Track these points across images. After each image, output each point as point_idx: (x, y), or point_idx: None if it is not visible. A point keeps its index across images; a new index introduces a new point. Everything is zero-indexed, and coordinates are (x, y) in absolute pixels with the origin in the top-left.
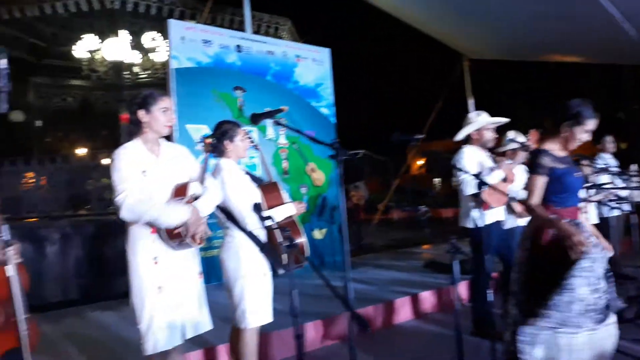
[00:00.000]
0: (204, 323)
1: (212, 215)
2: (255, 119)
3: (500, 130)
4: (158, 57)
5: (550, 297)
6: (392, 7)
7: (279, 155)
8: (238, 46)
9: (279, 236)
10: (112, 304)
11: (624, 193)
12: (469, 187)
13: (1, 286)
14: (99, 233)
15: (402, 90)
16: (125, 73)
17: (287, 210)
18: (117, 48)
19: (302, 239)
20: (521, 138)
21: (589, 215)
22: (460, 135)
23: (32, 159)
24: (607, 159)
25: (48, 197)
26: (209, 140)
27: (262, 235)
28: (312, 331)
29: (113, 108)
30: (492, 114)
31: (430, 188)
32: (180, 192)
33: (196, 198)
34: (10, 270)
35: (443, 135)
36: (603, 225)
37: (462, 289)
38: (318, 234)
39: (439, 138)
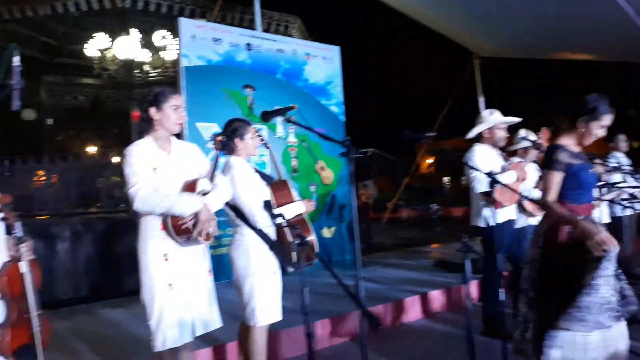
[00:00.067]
0: (214, 320)
1: (222, 213)
2: (266, 117)
3: (511, 128)
4: (168, 55)
5: (578, 299)
6: (402, 5)
7: (289, 153)
8: (248, 44)
9: (288, 234)
10: (122, 301)
11: (637, 192)
12: (481, 185)
13: (14, 282)
14: (109, 230)
15: (411, 89)
16: (136, 71)
17: (296, 208)
18: (127, 46)
19: (312, 237)
20: (532, 136)
21: (601, 214)
22: (472, 133)
23: (44, 157)
24: (619, 158)
25: (59, 195)
26: (220, 138)
27: (272, 233)
28: (322, 329)
29: (124, 106)
30: (503, 112)
31: (442, 187)
32: (189, 188)
33: (205, 194)
34: (23, 267)
35: (452, 133)
36: (615, 225)
37: (472, 288)
38: (327, 233)
39: (448, 137)
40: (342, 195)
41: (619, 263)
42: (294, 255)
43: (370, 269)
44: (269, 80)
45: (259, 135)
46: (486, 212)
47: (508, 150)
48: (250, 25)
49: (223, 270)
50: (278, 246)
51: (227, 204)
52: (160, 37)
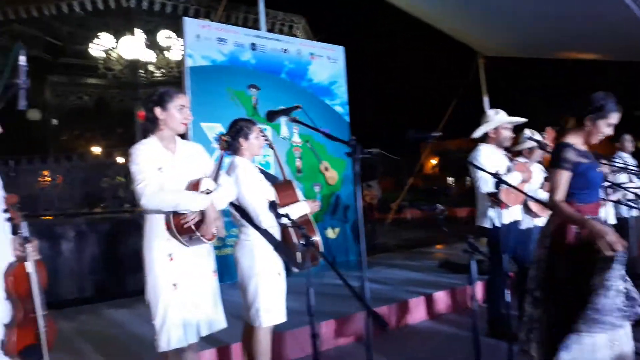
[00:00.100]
0: (219, 321)
1: (226, 214)
2: (271, 117)
3: (516, 129)
4: (173, 55)
5: (594, 300)
6: (406, 4)
7: (293, 153)
8: (253, 44)
9: (294, 234)
10: (127, 301)
11: None
12: (486, 185)
13: (20, 283)
14: (114, 231)
15: (415, 89)
16: (140, 71)
17: (301, 208)
18: (132, 46)
19: (317, 237)
20: (537, 136)
21: (607, 214)
22: (478, 133)
23: (49, 157)
24: (625, 158)
25: (64, 195)
26: (225, 138)
27: (277, 234)
28: (327, 330)
29: (128, 106)
30: (508, 112)
31: (447, 187)
32: (193, 188)
33: (208, 194)
34: (29, 267)
35: (457, 134)
36: (621, 226)
37: (477, 289)
38: (331, 233)
39: (452, 137)
40: (346, 196)
41: (624, 264)
42: (298, 255)
43: (374, 270)
44: (274, 80)
45: (264, 135)
46: (491, 212)
47: (513, 151)
48: (255, 25)
49: (227, 271)
50: (283, 246)
51: (232, 204)
52: (164, 37)
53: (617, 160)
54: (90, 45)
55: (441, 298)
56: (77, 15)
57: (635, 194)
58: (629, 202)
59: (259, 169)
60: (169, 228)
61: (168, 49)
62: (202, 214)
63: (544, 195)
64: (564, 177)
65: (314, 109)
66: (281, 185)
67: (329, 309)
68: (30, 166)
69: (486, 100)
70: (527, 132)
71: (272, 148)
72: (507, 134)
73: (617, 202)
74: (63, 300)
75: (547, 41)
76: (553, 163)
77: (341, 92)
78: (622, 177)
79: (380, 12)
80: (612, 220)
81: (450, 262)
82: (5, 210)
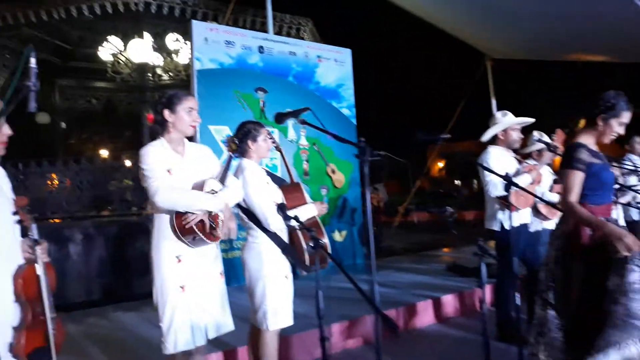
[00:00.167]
0: (227, 324)
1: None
2: (280, 119)
3: (525, 131)
4: (181, 58)
5: (629, 306)
6: (414, 7)
7: (300, 156)
8: (260, 47)
9: (302, 237)
10: (134, 304)
11: None
12: (496, 188)
13: (29, 285)
14: (122, 234)
15: (423, 91)
16: (148, 75)
17: (309, 210)
18: (141, 50)
19: (325, 240)
20: (546, 138)
21: (618, 217)
22: (487, 136)
23: (57, 160)
24: (635, 161)
25: (72, 198)
26: (234, 140)
27: (285, 237)
28: (335, 333)
29: (136, 109)
30: (516, 115)
31: (458, 188)
32: (198, 189)
33: (213, 194)
34: (39, 269)
35: (463, 136)
36: (631, 229)
37: (486, 293)
38: (338, 236)
39: (459, 139)
40: (353, 199)
41: None
42: (306, 258)
43: (382, 273)
44: (281, 83)
45: (271, 138)
46: (501, 215)
47: (522, 153)
48: (262, 28)
49: (234, 274)
50: (291, 249)
51: (239, 206)
52: (172, 40)
53: (627, 162)
54: (99, 48)
55: (449, 301)
56: (86, 19)
57: None
58: (639, 205)
59: (266, 171)
60: (172, 229)
61: (176, 52)
62: (207, 214)
63: (553, 198)
64: (578, 178)
65: (321, 111)
66: (289, 188)
67: (337, 312)
68: (38, 169)
69: (494, 103)
70: (536, 134)
71: (279, 151)
72: (516, 135)
73: (628, 205)
74: (71, 303)
75: (555, 43)
76: (566, 164)
77: (348, 95)
78: (633, 180)
79: (387, 15)
80: (622, 222)
81: (458, 266)
82: (15, 213)
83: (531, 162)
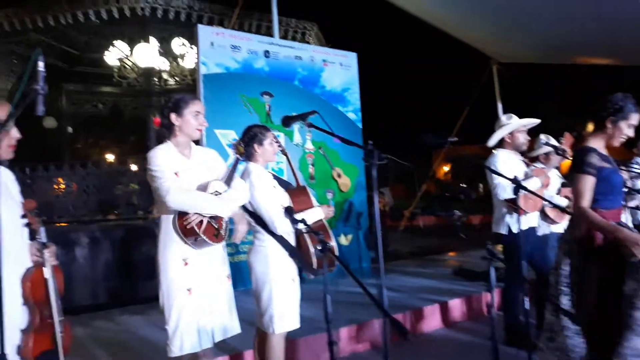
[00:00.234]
0: (233, 327)
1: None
2: (287, 122)
3: (531, 134)
4: (187, 63)
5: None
6: (419, 10)
7: (306, 160)
8: (266, 51)
9: (309, 240)
10: (140, 307)
11: None
12: (505, 191)
13: (37, 288)
14: (128, 237)
15: (428, 95)
16: (154, 79)
17: (316, 214)
18: (147, 55)
19: (333, 243)
20: (553, 141)
21: (627, 221)
22: (494, 140)
23: (64, 165)
24: None
25: (78, 202)
26: (242, 144)
27: (292, 240)
28: (341, 337)
29: (142, 114)
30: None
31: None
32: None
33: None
34: (47, 272)
35: (469, 140)
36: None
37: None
38: (344, 240)
39: (465, 143)
40: (359, 203)
41: None
42: (314, 261)
43: (388, 277)
44: (287, 87)
45: (277, 142)
46: (509, 219)
47: (529, 157)
48: (267, 33)
49: (240, 277)
50: (298, 252)
51: (246, 210)
52: (178, 45)
53: (635, 166)
54: (106, 53)
55: (456, 306)
56: (93, 24)
57: None
58: None
59: (273, 175)
60: (174, 229)
61: (182, 56)
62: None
63: (561, 201)
64: (589, 183)
65: (327, 115)
66: (295, 191)
67: (344, 316)
68: (45, 173)
69: (500, 107)
70: (543, 137)
71: (285, 154)
72: (523, 138)
73: (636, 209)
74: (77, 306)
75: (562, 46)
76: (576, 168)
77: (354, 99)
78: None
79: (393, 19)
80: (630, 226)
81: (464, 270)
82: (23, 216)
83: (539, 165)
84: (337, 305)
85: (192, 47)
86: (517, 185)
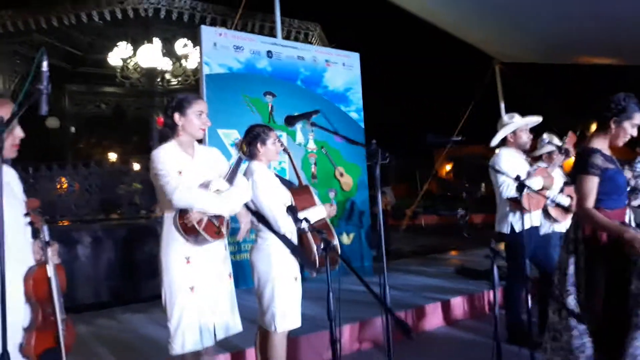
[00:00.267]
0: (235, 325)
1: (236, 220)
2: (290, 121)
3: (533, 134)
4: (189, 64)
5: None
6: (422, 10)
7: (308, 159)
8: (269, 52)
9: (312, 239)
10: (143, 306)
11: None
12: (509, 190)
13: (40, 286)
14: (130, 237)
15: (431, 95)
16: (157, 80)
17: (319, 212)
18: (150, 55)
19: (336, 241)
20: (556, 140)
21: (630, 220)
22: (496, 140)
23: (67, 164)
24: None
25: (81, 201)
26: (245, 143)
27: (294, 238)
28: (343, 335)
29: (145, 114)
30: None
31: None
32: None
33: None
34: (50, 271)
35: (472, 140)
36: None
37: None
38: (346, 239)
39: (467, 143)
40: (361, 202)
41: None
42: (317, 259)
43: (390, 276)
44: (289, 87)
45: (280, 141)
46: (511, 217)
47: (532, 156)
48: (271, 33)
49: (242, 276)
50: (300, 251)
51: (249, 209)
52: (181, 45)
53: (638, 165)
54: (109, 54)
55: (458, 304)
56: (96, 25)
57: None
58: None
59: (275, 174)
60: (175, 227)
61: (185, 57)
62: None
63: (564, 200)
64: (593, 184)
65: (330, 115)
66: (298, 190)
67: (346, 314)
68: (48, 173)
69: (503, 107)
70: (546, 136)
71: (287, 154)
72: (526, 136)
73: (639, 208)
74: (80, 304)
75: (564, 46)
76: (580, 169)
77: (356, 99)
78: None
79: (395, 19)
80: (633, 225)
81: (466, 268)
82: (26, 214)
83: (542, 164)
84: (340, 303)
85: (195, 48)
86: (521, 184)
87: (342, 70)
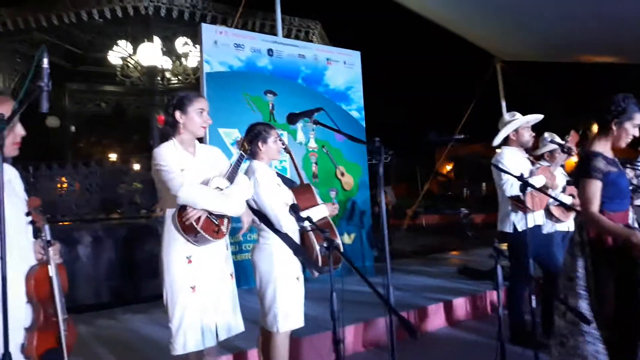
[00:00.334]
0: (237, 325)
1: (239, 219)
2: (293, 119)
3: (535, 133)
4: (190, 62)
5: None
6: (423, 9)
7: (309, 159)
8: (270, 50)
9: (314, 238)
10: (143, 306)
11: None
12: (512, 188)
13: (42, 285)
14: (131, 236)
15: (432, 93)
16: (157, 79)
17: (320, 211)
18: (150, 54)
19: (339, 241)
20: (557, 139)
21: (632, 221)
22: (498, 139)
23: (67, 164)
24: None
25: (81, 201)
26: (246, 142)
27: (296, 238)
28: (346, 336)
29: (145, 113)
30: None
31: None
32: None
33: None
34: (51, 270)
35: (472, 139)
36: None
37: (495, 296)
38: (347, 239)
39: (467, 142)
40: (362, 201)
41: None
42: (319, 259)
43: (392, 276)
44: (290, 86)
45: (281, 140)
46: (514, 217)
47: (534, 155)
48: (271, 31)
49: (244, 276)
50: (302, 250)
51: (251, 208)
52: (182, 44)
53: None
54: (109, 52)
55: (460, 304)
56: (96, 23)
57: None
58: None
59: (277, 173)
60: (174, 226)
61: (185, 55)
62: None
63: (566, 199)
64: (597, 188)
65: (331, 114)
66: (299, 189)
67: (348, 314)
68: (48, 172)
69: (504, 105)
70: (547, 135)
71: (288, 153)
72: (528, 135)
73: None
74: (80, 305)
75: (565, 44)
76: (583, 173)
77: (357, 97)
78: None
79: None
80: (635, 225)
81: (469, 268)
82: (28, 214)
83: (544, 163)
84: (343, 303)
85: (195, 46)
86: (524, 183)
87: (343, 69)
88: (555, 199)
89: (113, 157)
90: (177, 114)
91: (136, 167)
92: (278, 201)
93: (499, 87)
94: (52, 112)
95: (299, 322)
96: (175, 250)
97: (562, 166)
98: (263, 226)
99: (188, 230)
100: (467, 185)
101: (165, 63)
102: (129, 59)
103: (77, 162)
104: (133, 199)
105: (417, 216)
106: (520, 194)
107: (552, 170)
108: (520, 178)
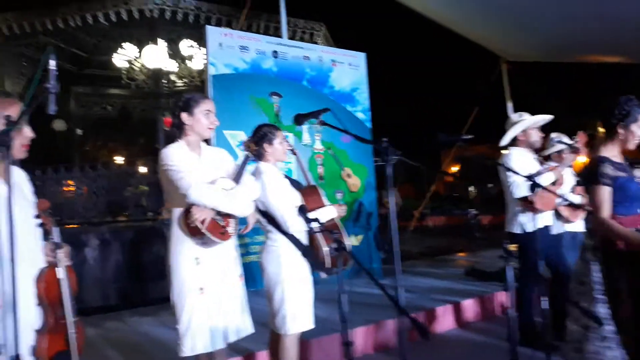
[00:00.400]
0: (246, 327)
1: (243, 221)
2: (300, 120)
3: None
4: (195, 65)
5: None
6: (428, 10)
7: (315, 160)
8: (275, 52)
9: (322, 239)
10: (151, 309)
11: None
12: (520, 189)
13: (51, 288)
14: (137, 239)
15: (437, 94)
16: (163, 81)
17: (328, 212)
18: (155, 56)
19: (347, 242)
20: (565, 139)
21: None
22: (507, 139)
23: (74, 167)
24: None
25: (88, 204)
26: (252, 143)
27: (304, 239)
28: (354, 338)
29: (151, 116)
30: None
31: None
32: None
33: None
34: (61, 273)
35: (478, 140)
36: None
37: (503, 297)
38: (354, 241)
39: (473, 143)
40: (368, 203)
41: None
42: (327, 260)
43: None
44: (295, 88)
45: (287, 141)
46: (522, 218)
47: (542, 155)
48: (276, 33)
49: (251, 278)
50: (310, 252)
51: (258, 210)
52: (187, 46)
53: None
54: (114, 55)
55: (469, 306)
56: (102, 27)
57: None
58: None
59: (284, 174)
60: (180, 228)
61: (190, 58)
62: (214, 213)
63: (575, 200)
64: (606, 193)
65: (336, 115)
66: (306, 190)
67: (356, 316)
68: (55, 175)
69: (510, 106)
70: (555, 135)
71: (294, 154)
72: (536, 135)
73: None
74: (88, 307)
75: (571, 45)
76: (591, 180)
77: (363, 99)
78: None
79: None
80: None
81: (476, 270)
82: (37, 216)
83: (552, 163)
84: (351, 305)
85: (200, 49)
86: (533, 183)
87: (348, 70)
88: (564, 199)
89: (119, 160)
90: (184, 115)
91: (142, 169)
92: (285, 202)
93: (505, 88)
94: (58, 115)
95: (308, 324)
96: (183, 251)
97: (570, 166)
98: (270, 228)
99: (194, 232)
100: (475, 186)
101: (171, 65)
102: (134, 62)
103: (84, 165)
104: (139, 201)
105: (423, 218)
106: (528, 194)
107: (559, 171)
108: (529, 178)
